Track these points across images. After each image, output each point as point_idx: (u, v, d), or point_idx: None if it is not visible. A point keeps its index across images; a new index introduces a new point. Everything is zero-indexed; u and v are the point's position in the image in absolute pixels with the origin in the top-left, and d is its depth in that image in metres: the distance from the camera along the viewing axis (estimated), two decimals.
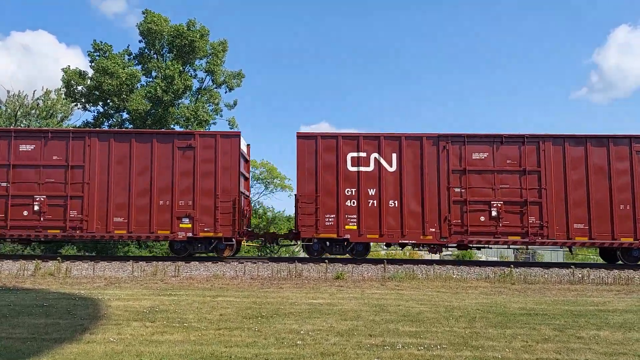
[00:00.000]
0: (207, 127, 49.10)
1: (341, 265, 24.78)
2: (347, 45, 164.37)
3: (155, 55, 48.30)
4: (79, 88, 47.15)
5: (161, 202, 25.84)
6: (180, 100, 48.08)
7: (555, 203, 25.54)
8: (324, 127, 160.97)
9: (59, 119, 49.09)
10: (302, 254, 29.57)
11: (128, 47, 48.86)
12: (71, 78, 46.36)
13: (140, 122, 45.54)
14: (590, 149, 25.68)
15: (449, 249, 28.97)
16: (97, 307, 14.99)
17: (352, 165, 26.00)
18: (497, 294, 18.88)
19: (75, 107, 49.51)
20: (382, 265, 24.30)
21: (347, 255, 26.60)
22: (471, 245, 26.00)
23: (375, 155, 26.02)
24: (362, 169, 25.95)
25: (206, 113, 48.05)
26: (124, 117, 48.20)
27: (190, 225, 25.72)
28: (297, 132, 26.39)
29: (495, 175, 25.62)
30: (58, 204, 25.63)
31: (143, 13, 47.49)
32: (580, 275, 23.30)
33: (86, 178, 25.75)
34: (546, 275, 23.55)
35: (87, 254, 36.81)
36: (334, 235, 25.79)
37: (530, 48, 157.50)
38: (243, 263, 24.83)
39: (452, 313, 14.76)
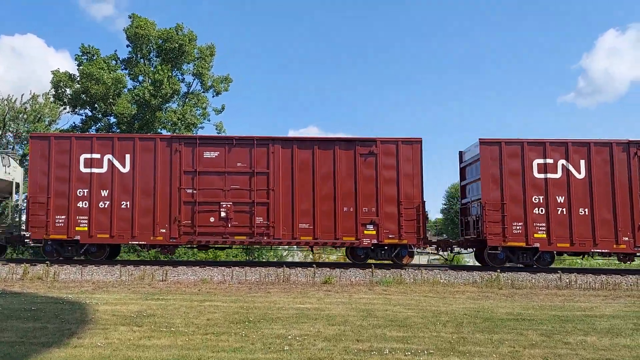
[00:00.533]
0: (194, 131, 49.09)
1: (329, 269, 24.79)
2: (334, 49, 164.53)
3: (142, 60, 48.25)
4: (68, 91, 47.11)
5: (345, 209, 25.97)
6: (167, 104, 48.06)
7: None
8: (313, 131, 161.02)
9: (46, 122, 48.95)
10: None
11: (115, 51, 48.80)
12: (60, 80, 46.30)
13: (127, 126, 45.50)
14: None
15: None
16: (84, 312, 14.95)
17: (539, 172, 25.99)
18: (484, 299, 18.89)
19: (64, 111, 49.44)
20: (370, 269, 24.32)
21: (534, 264, 26.47)
22: None
23: (562, 161, 26.00)
24: (550, 175, 25.95)
25: (194, 117, 48.04)
26: (111, 122, 48.18)
27: (374, 232, 25.71)
28: (480, 139, 26.44)
29: None
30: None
31: (130, 17, 47.53)
32: (567, 281, 23.35)
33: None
34: (533, 280, 23.60)
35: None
36: (522, 244, 25.85)
37: (519, 52, 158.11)
38: (231, 268, 24.78)
39: (439, 318, 14.77)
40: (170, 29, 46.86)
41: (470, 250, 28.84)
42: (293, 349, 11.09)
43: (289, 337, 12.12)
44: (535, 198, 25.76)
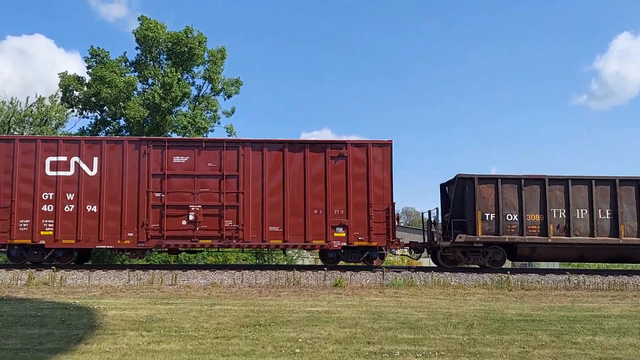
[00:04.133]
0: (204, 135, 49.03)
1: (339, 272, 24.69)
2: (348, 51, 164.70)
3: (151, 62, 48.21)
4: (76, 94, 47.06)
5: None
6: (178, 108, 48.02)
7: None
8: (326, 134, 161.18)
9: (53, 125, 48.96)
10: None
11: (125, 54, 48.68)
12: (69, 83, 46.27)
13: (138, 130, 45.46)
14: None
15: None
16: (92, 317, 14.92)
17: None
18: (494, 301, 18.87)
19: (72, 114, 49.38)
20: (381, 272, 24.27)
21: None
22: None
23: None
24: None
25: (204, 120, 47.95)
26: (121, 125, 48.12)
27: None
28: None
29: None
30: None
31: (139, 19, 47.40)
32: (575, 281, 23.32)
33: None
34: (543, 282, 23.55)
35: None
36: None
37: (532, 54, 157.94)
38: (241, 271, 24.73)
39: (450, 320, 14.75)
40: (180, 32, 46.77)
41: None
42: (304, 352, 11.06)
43: (300, 340, 12.10)
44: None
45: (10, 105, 47.01)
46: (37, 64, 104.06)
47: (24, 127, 47.09)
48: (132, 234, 25.38)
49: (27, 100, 48.22)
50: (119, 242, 25.39)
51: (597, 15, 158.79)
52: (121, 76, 45.41)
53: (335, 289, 21.68)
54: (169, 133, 47.31)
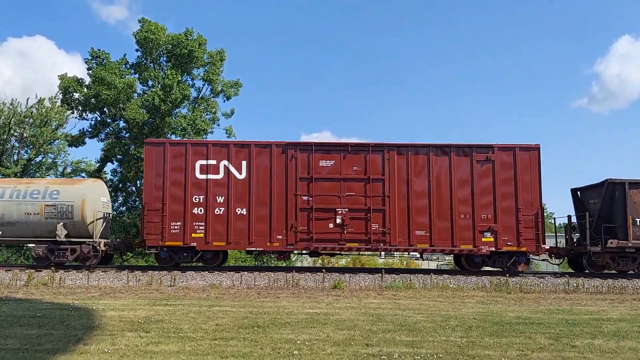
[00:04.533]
0: (204, 137, 49.04)
1: (338, 274, 24.73)
2: (346, 53, 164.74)
3: (151, 64, 48.22)
4: (76, 95, 47.05)
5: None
6: (177, 109, 48.03)
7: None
8: (326, 136, 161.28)
9: (53, 127, 48.91)
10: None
11: (125, 55, 48.70)
12: (68, 85, 46.28)
13: (138, 131, 45.46)
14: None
15: None
16: (91, 318, 14.92)
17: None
18: (493, 303, 18.86)
19: (71, 115, 49.33)
20: (380, 274, 24.28)
21: None
22: None
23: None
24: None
25: (204, 122, 47.96)
26: (120, 126, 48.15)
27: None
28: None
29: None
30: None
31: (139, 22, 47.43)
32: (575, 285, 23.32)
33: None
34: (542, 285, 23.57)
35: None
36: None
37: (533, 56, 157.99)
38: (240, 273, 24.74)
39: (448, 322, 14.74)
40: (179, 34, 46.78)
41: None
42: (302, 354, 11.05)
43: (298, 342, 12.10)
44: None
45: (11, 107, 46.90)
46: (37, 65, 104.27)
47: (24, 128, 47.01)
48: (280, 237, 25.71)
49: (27, 101, 48.20)
50: (268, 244, 25.73)
51: (598, 18, 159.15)
52: (121, 78, 45.44)
53: (334, 290, 21.68)
54: (168, 135, 47.33)
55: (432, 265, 50.34)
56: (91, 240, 26.16)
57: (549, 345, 12.20)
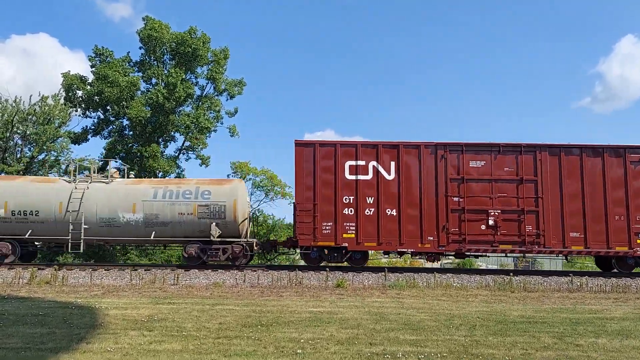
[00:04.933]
0: (207, 135, 49.03)
1: (342, 273, 24.69)
2: (349, 51, 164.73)
3: (155, 62, 48.18)
4: (79, 93, 47.01)
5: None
6: (181, 108, 47.99)
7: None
8: (328, 135, 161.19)
9: (56, 125, 48.82)
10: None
11: (128, 53, 48.69)
12: (71, 83, 46.23)
13: (141, 129, 45.44)
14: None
15: None
16: (94, 316, 14.90)
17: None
18: (497, 302, 18.85)
19: (75, 113, 49.24)
20: (383, 273, 24.24)
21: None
22: None
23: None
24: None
25: (207, 120, 47.91)
26: (124, 124, 48.12)
27: None
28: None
29: None
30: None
31: (143, 20, 47.41)
32: (578, 283, 23.30)
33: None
34: (545, 284, 23.53)
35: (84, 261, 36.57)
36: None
37: (535, 56, 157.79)
38: (243, 271, 24.73)
39: (452, 321, 14.72)
40: (183, 32, 46.72)
41: None
42: (306, 353, 11.03)
43: (302, 340, 12.07)
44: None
45: (14, 104, 46.80)
46: (41, 63, 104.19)
47: (27, 126, 46.92)
48: (432, 238, 25.49)
49: (30, 98, 48.07)
50: (419, 245, 25.51)
51: (600, 18, 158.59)
52: (125, 76, 45.40)
53: (337, 289, 21.68)
54: (172, 133, 47.32)
55: (436, 264, 50.14)
56: (242, 240, 26.56)
57: (552, 344, 12.17)
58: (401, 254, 26.66)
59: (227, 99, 50.51)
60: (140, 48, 48.32)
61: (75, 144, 48.64)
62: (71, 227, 25.67)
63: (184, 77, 46.49)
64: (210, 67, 48.62)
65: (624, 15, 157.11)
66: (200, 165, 51.29)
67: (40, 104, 47.87)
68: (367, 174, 25.74)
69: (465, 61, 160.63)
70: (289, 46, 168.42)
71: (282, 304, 17.51)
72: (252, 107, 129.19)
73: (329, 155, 25.85)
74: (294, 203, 26.35)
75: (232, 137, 51.39)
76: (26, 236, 26.04)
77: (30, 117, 47.02)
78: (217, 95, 50.06)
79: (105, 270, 24.86)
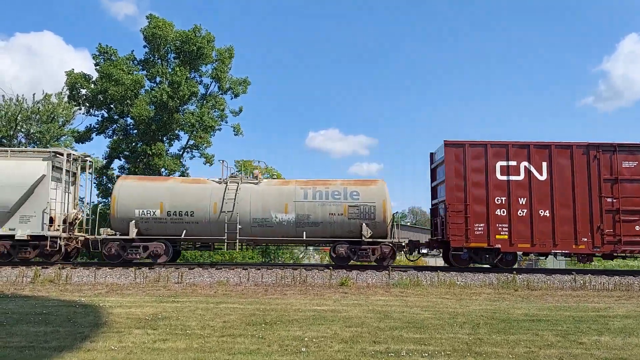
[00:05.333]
0: (212, 134, 48.99)
1: (345, 272, 24.71)
2: (354, 49, 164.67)
3: (159, 61, 48.16)
4: (83, 92, 47.01)
5: None
6: (185, 106, 47.96)
7: None
8: (333, 133, 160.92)
9: (60, 123, 48.88)
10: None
11: (132, 52, 48.64)
12: (75, 81, 46.23)
13: (145, 128, 45.43)
14: None
15: None
16: (98, 315, 14.92)
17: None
18: (500, 300, 18.86)
19: (78, 111, 49.24)
20: (387, 272, 24.27)
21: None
22: None
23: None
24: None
25: (211, 119, 47.87)
26: (128, 123, 48.11)
27: None
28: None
29: None
30: None
31: (147, 18, 47.35)
32: (581, 282, 23.33)
33: None
34: (549, 282, 23.56)
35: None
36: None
37: (538, 54, 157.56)
38: (247, 269, 24.73)
39: (456, 319, 14.73)
40: (188, 31, 46.68)
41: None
42: (310, 351, 11.03)
43: (306, 338, 12.08)
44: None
45: (17, 103, 46.90)
46: (45, 61, 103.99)
47: (30, 124, 47.02)
48: (586, 239, 25.38)
49: (33, 97, 48.15)
50: (573, 247, 25.44)
51: (604, 17, 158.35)
52: (129, 74, 45.37)
53: (341, 288, 21.71)
54: (176, 131, 47.30)
55: (440, 262, 50.05)
56: (390, 240, 26.53)
57: (556, 342, 12.18)
58: (554, 255, 26.39)
59: (231, 98, 50.49)
60: (144, 46, 48.31)
61: (78, 143, 48.69)
62: (227, 227, 25.94)
63: (188, 75, 46.46)
64: (214, 65, 48.57)
65: (628, 14, 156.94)
66: (205, 164, 51.38)
67: (43, 102, 47.95)
68: (518, 174, 25.70)
69: (470, 60, 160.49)
70: (293, 45, 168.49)
71: (286, 302, 17.52)
72: (255, 105, 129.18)
73: (479, 155, 25.86)
74: (434, 204, 27.04)
75: (236, 136, 51.36)
76: (182, 236, 26.33)
77: (34, 115, 47.12)
78: (221, 94, 50.02)
79: (109, 268, 24.87)
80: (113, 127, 48.43)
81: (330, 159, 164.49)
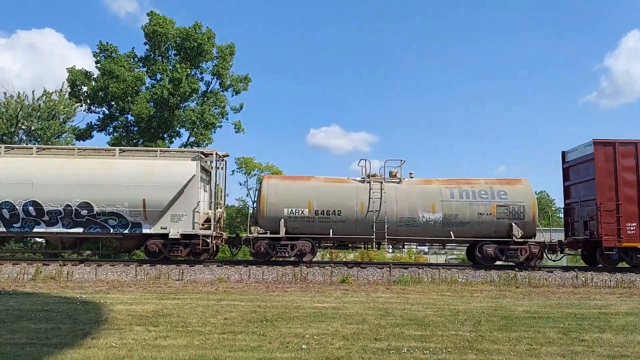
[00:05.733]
0: (212, 131, 48.96)
1: (346, 269, 24.74)
2: (355, 46, 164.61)
3: (160, 58, 48.13)
4: (84, 89, 46.99)
5: None
6: (186, 103, 47.93)
7: None
8: (334, 131, 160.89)
9: (61, 120, 48.82)
10: None
11: (133, 49, 48.58)
12: (76, 78, 46.19)
13: (146, 125, 45.39)
14: None
15: None
16: (99, 312, 14.91)
17: None
18: (502, 298, 18.83)
19: (79, 108, 49.19)
20: (388, 268, 24.25)
21: None
22: None
23: None
24: None
25: (212, 116, 47.83)
26: (128, 120, 48.08)
27: None
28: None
29: None
30: None
31: (148, 15, 47.31)
32: (583, 279, 23.31)
33: None
34: (550, 279, 23.55)
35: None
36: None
37: (541, 50, 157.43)
38: (248, 267, 24.73)
39: (457, 317, 14.71)
40: (188, 28, 46.65)
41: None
42: (311, 348, 11.02)
43: (307, 336, 12.06)
44: None
45: (18, 100, 46.83)
46: (47, 58, 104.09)
47: (31, 121, 46.94)
48: None
49: (33, 94, 48.05)
50: None
51: (606, 13, 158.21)
52: (130, 71, 45.35)
53: (342, 285, 21.69)
54: (177, 128, 47.25)
55: (441, 259, 50.11)
56: (537, 240, 26.74)
57: (558, 339, 12.16)
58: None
59: (232, 95, 50.44)
60: (145, 44, 48.29)
61: (79, 140, 48.62)
62: (375, 226, 26.07)
63: (189, 72, 46.42)
64: (215, 62, 48.54)
65: (630, 11, 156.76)
66: None
67: (44, 99, 47.88)
68: None
69: (470, 56, 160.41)
70: (294, 42, 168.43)
71: (287, 299, 17.51)
72: (257, 103, 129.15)
73: (629, 154, 25.72)
74: (567, 203, 27.58)
75: (237, 133, 51.30)
76: (330, 235, 26.44)
77: (35, 112, 47.05)
78: (222, 91, 49.98)
79: (110, 265, 24.91)
80: (114, 124, 48.40)
81: (332, 156, 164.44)
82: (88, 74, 46.89)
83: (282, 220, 26.05)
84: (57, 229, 25.59)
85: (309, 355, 10.55)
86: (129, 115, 47.42)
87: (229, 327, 12.99)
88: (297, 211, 26.16)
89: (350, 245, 28.40)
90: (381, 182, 26.80)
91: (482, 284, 22.70)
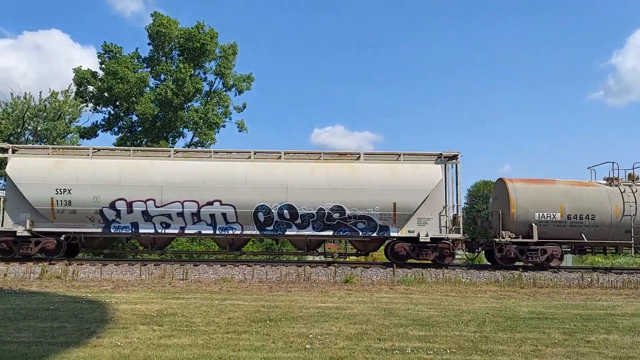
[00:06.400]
0: (216, 130, 49.03)
1: (350, 269, 24.71)
2: (359, 47, 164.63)
3: (164, 58, 48.24)
4: (90, 89, 47.12)
5: None
6: (190, 103, 48.02)
7: None
8: (338, 130, 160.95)
9: (67, 120, 48.92)
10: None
11: (137, 50, 48.74)
12: (83, 78, 46.34)
13: (150, 125, 45.48)
14: None
15: None
16: (104, 311, 14.93)
17: None
18: (506, 298, 18.78)
19: (85, 108, 49.33)
20: (391, 269, 24.23)
21: None
22: None
23: None
24: None
25: (216, 116, 47.93)
26: (133, 120, 48.19)
27: None
28: None
29: None
30: None
31: (152, 16, 47.49)
32: (589, 279, 23.28)
33: None
34: (555, 279, 23.49)
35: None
36: None
37: (547, 49, 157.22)
38: (251, 266, 24.73)
39: (461, 317, 14.69)
40: (191, 28, 46.78)
41: None
42: (314, 348, 11.02)
43: (311, 336, 12.07)
44: None
45: (24, 100, 46.91)
46: (53, 59, 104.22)
47: (38, 121, 47.03)
48: None
49: (40, 94, 48.14)
50: None
51: (614, 10, 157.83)
52: (134, 72, 45.47)
53: (345, 285, 21.66)
54: (180, 129, 47.33)
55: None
56: None
57: (563, 340, 12.14)
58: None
59: (235, 95, 50.57)
60: (148, 44, 48.45)
61: (84, 139, 48.76)
62: (633, 231, 26.12)
63: (192, 72, 46.53)
64: (218, 62, 48.66)
65: (637, 8, 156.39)
66: None
67: (50, 99, 47.99)
68: None
69: (475, 54, 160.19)
70: (298, 41, 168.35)
71: (290, 299, 17.50)
72: (260, 102, 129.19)
73: None
74: None
75: (240, 132, 51.39)
76: (584, 240, 26.28)
77: (41, 113, 47.15)
78: (225, 91, 50.10)
79: (115, 265, 24.95)
80: (119, 124, 48.53)
81: None
82: (94, 74, 47.04)
83: (534, 224, 25.84)
84: (308, 231, 26.22)
85: (313, 355, 10.55)
86: (133, 116, 47.56)
87: (232, 326, 13.01)
88: (548, 215, 25.96)
89: (595, 250, 28.30)
90: (630, 186, 26.77)
91: (486, 284, 22.66)
